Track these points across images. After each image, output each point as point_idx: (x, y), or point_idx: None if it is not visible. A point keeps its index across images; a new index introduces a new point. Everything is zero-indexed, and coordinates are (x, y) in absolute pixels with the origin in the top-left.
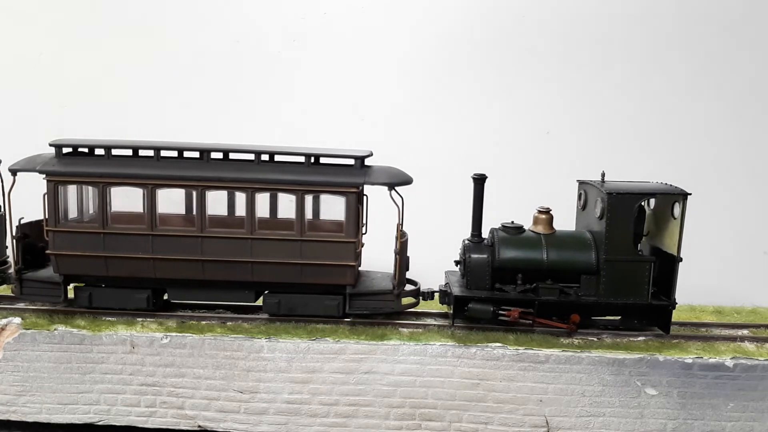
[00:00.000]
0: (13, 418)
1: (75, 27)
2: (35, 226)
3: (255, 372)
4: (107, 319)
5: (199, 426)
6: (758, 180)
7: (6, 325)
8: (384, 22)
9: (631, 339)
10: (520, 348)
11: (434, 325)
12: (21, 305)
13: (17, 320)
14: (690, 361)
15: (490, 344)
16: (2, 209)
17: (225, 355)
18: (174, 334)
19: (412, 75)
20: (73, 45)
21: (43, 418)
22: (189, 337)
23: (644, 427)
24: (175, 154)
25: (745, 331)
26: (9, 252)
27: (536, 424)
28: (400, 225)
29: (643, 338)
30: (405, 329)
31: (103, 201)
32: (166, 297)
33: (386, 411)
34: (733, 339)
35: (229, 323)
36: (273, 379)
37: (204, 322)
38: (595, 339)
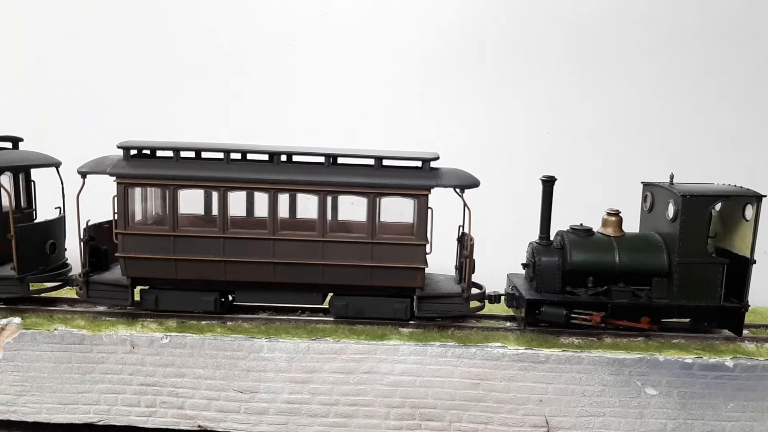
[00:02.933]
0: (13, 418)
1: (75, 27)
2: (98, 228)
3: (255, 372)
4: (107, 319)
5: (199, 426)
6: None
7: (6, 325)
8: (384, 22)
9: (631, 339)
10: (520, 348)
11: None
12: (22, 305)
13: (17, 320)
14: (690, 361)
15: (490, 344)
16: (62, 211)
17: (225, 355)
18: (174, 334)
19: (413, 75)
20: (72, 45)
21: (43, 418)
22: (189, 337)
23: (644, 427)
24: (241, 156)
25: (746, 331)
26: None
27: (536, 424)
28: (462, 227)
29: (643, 338)
30: (405, 329)
31: (174, 203)
32: (229, 299)
33: (386, 411)
34: (733, 339)
35: (229, 323)
36: (273, 379)
37: (204, 322)
38: (595, 339)
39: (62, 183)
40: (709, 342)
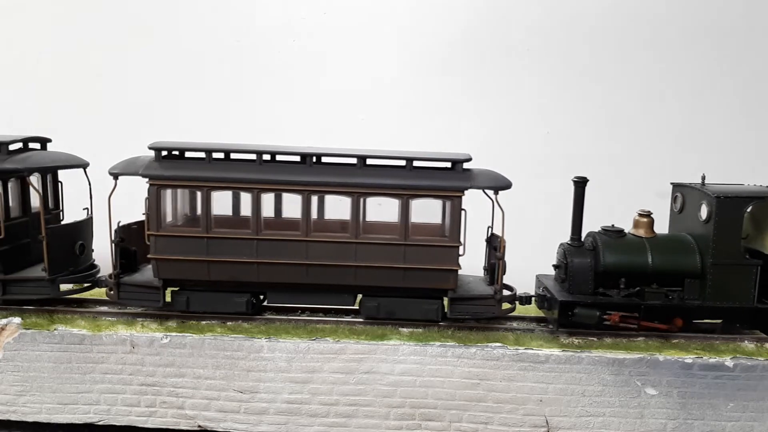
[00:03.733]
0: (13, 418)
1: (74, 27)
2: (127, 229)
3: (255, 372)
4: (107, 319)
5: (199, 426)
6: None
7: (6, 325)
8: (384, 22)
9: (631, 339)
10: (520, 348)
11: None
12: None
13: (17, 320)
14: (690, 361)
15: (490, 344)
16: (89, 212)
17: (225, 355)
18: (174, 334)
19: (413, 74)
20: (72, 45)
21: (43, 418)
22: (189, 337)
23: (644, 427)
24: (279, 157)
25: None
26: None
27: (536, 424)
28: (491, 228)
29: (643, 338)
30: (405, 329)
31: (207, 205)
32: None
33: (386, 411)
34: (733, 339)
35: (229, 323)
36: (273, 379)
37: (204, 322)
38: (595, 339)
39: (89, 184)
40: (709, 342)
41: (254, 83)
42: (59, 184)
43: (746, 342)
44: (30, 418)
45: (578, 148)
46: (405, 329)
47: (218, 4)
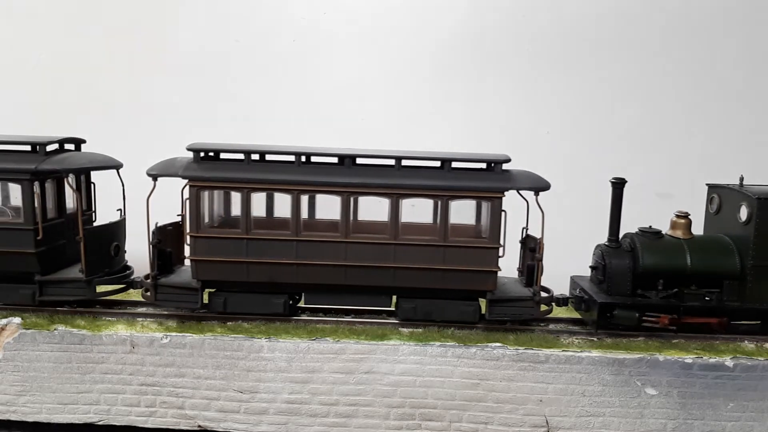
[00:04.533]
0: (13, 418)
1: (74, 27)
2: (163, 231)
3: (255, 372)
4: (107, 319)
5: (199, 426)
6: None
7: (6, 325)
8: (384, 22)
9: (632, 339)
10: (520, 348)
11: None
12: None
13: (17, 320)
14: (690, 361)
15: (490, 344)
16: (123, 213)
17: (225, 355)
18: (174, 334)
19: (413, 74)
20: (71, 45)
21: (43, 418)
22: (189, 337)
23: (644, 427)
24: (316, 159)
25: None
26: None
27: (536, 424)
28: (526, 229)
29: (643, 338)
30: (405, 329)
31: (247, 206)
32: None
33: (386, 411)
34: (733, 339)
35: (229, 323)
36: (273, 379)
37: (204, 322)
38: (595, 339)
39: (123, 185)
40: (709, 342)
41: (253, 83)
42: (92, 185)
43: (746, 342)
44: (30, 418)
45: (578, 148)
46: (405, 329)
47: (218, 3)
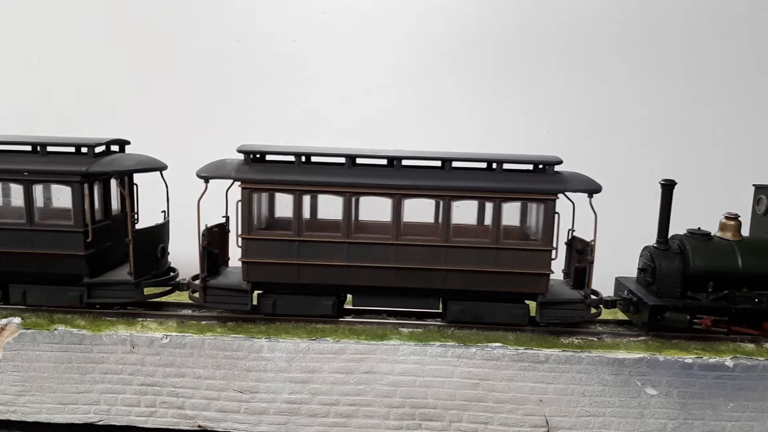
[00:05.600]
0: (13, 418)
1: (73, 27)
2: (210, 232)
3: (255, 372)
4: (107, 319)
5: (199, 426)
6: None
7: (6, 325)
8: (384, 22)
9: (632, 339)
10: (520, 348)
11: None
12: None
13: (17, 320)
14: (690, 361)
15: (490, 344)
16: (167, 215)
17: (225, 355)
18: (174, 334)
19: (413, 74)
20: (71, 45)
21: (43, 418)
22: (189, 337)
23: (644, 427)
24: (365, 161)
25: None
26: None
27: (536, 424)
28: (572, 230)
29: (643, 338)
30: (405, 329)
31: (299, 209)
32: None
33: (386, 411)
34: (733, 339)
35: (229, 323)
36: (273, 379)
37: (204, 322)
38: (595, 339)
39: (167, 186)
40: (709, 342)
41: (253, 83)
42: (135, 186)
43: (746, 342)
44: (30, 418)
45: (578, 148)
46: (405, 329)
47: (219, 3)
